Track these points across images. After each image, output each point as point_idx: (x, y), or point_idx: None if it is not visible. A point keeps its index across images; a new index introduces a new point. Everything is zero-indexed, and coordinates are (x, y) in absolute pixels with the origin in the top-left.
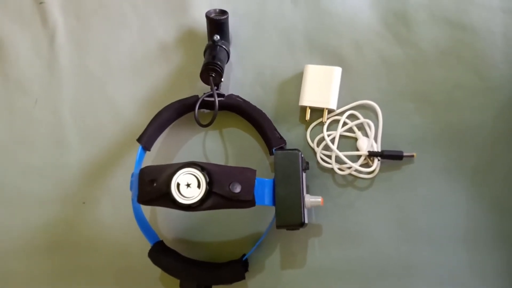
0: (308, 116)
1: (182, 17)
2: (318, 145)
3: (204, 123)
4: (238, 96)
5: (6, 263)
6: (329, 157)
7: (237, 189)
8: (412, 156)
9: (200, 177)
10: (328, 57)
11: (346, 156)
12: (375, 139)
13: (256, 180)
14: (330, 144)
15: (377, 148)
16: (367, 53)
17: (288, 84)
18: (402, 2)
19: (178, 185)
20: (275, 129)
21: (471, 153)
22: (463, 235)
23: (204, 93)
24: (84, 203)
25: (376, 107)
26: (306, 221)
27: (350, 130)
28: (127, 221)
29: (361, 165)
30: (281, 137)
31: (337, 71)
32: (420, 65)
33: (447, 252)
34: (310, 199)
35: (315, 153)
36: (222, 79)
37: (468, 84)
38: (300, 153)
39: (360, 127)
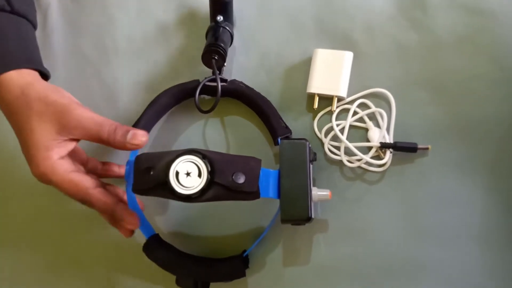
0: (316, 104)
1: None
2: (326, 135)
3: (205, 109)
4: (241, 82)
5: None
6: (338, 148)
7: (241, 179)
8: (427, 148)
9: (201, 165)
10: (338, 42)
11: (356, 148)
12: (387, 130)
13: (265, 171)
14: (339, 134)
15: (389, 139)
16: (380, 38)
17: (294, 70)
18: None
19: (177, 173)
20: (280, 118)
21: (488, 147)
22: (477, 233)
23: (206, 78)
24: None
25: (389, 95)
26: (312, 216)
27: (361, 120)
28: None
29: (372, 157)
30: (287, 127)
31: (348, 55)
32: (435, 53)
33: (459, 251)
34: (317, 193)
35: (322, 144)
36: (225, 64)
37: (486, 74)
38: (307, 143)
39: (372, 117)
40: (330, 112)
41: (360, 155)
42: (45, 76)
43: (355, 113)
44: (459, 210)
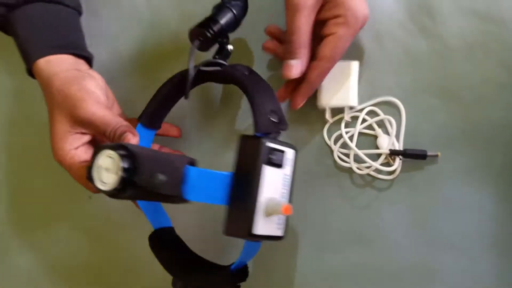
0: (329, 117)
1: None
2: (335, 143)
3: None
4: (245, 67)
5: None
6: (347, 155)
7: (160, 180)
8: (436, 155)
9: (117, 162)
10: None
11: (366, 155)
12: (397, 137)
13: (204, 172)
14: (348, 141)
15: (398, 146)
16: (389, 46)
17: None
18: None
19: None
20: (274, 111)
21: (499, 153)
22: (490, 240)
23: (202, 62)
24: (90, 197)
25: (398, 103)
26: (264, 233)
27: (370, 127)
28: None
29: (381, 164)
30: (279, 122)
31: (354, 65)
32: (445, 59)
33: (472, 258)
34: (270, 204)
35: (332, 151)
36: (230, 49)
37: (496, 80)
38: (265, 142)
39: (381, 124)
40: (340, 120)
41: (369, 162)
42: (86, 58)
43: (364, 120)
44: (470, 217)
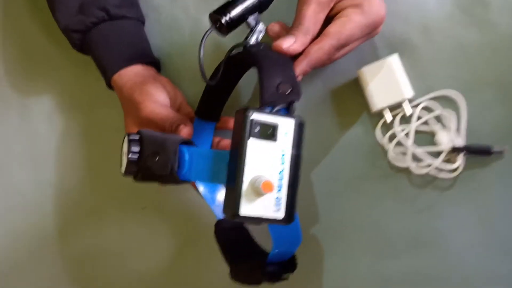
0: (388, 117)
1: None
2: (389, 142)
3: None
4: (262, 43)
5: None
6: (403, 154)
7: (155, 160)
8: (503, 151)
9: (126, 145)
10: (394, 45)
11: (425, 153)
12: (458, 132)
13: (198, 152)
14: (404, 140)
15: (460, 142)
16: (439, 38)
17: (342, 92)
18: None
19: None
20: (285, 82)
21: None
22: None
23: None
24: (143, 208)
25: (458, 96)
26: (253, 214)
27: (426, 124)
28: None
29: (442, 163)
30: (288, 93)
31: (394, 58)
32: (501, 50)
33: None
34: (253, 181)
35: (385, 151)
36: (260, 30)
37: None
38: (249, 113)
39: (438, 120)
40: (391, 120)
41: (429, 160)
42: (153, 63)
43: (419, 117)
44: None
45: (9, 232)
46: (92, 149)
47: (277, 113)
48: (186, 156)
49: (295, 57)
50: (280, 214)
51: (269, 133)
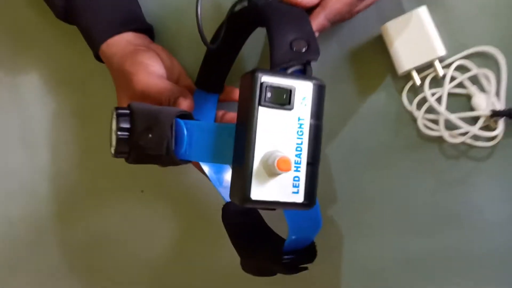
0: (417, 80)
1: None
2: (418, 108)
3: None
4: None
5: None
6: (435, 122)
7: (148, 137)
8: None
9: (114, 121)
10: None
11: (460, 119)
12: (497, 94)
13: (199, 126)
14: (436, 105)
15: (500, 106)
16: None
17: (364, 52)
18: None
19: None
20: (299, 38)
21: None
22: None
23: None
24: (142, 191)
25: (496, 53)
26: (267, 198)
27: (460, 86)
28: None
29: (480, 129)
30: (304, 51)
31: (422, 11)
32: None
33: None
34: (266, 158)
35: (414, 118)
36: None
37: None
38: (259, 75)
39: (474, 81)
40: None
41: (466, 127)
42: (146, 31)
43: (452, 78)
44: None
45: (5, 219)
46: (86, 129)
47: (292, 75)
48: (185, 131)
49: (310, 10)
50: (299, 197)
51: (283, 99)
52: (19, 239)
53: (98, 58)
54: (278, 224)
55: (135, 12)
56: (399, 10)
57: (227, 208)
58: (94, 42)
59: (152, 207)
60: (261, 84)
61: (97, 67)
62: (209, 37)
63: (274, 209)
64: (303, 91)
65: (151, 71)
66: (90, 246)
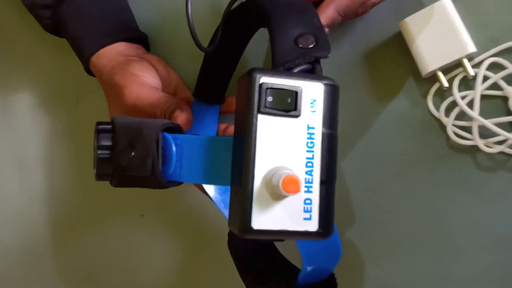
0: (445, 82)
1: None
2: (447, 114)
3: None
4: None
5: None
6: (467, 129)
7: (131, 156)
8: None
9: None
10: None
11: (496, 125)
12: None
13: (189, 140)
14: (467, 110)
15: None
16: None
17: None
18: None
19: None
20: (306, 33)
21: None
22: None
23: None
24: (142, 215)
25: None
26: (272, 227)
27: (494, 86)
28: None
29: None
30: (311, 47)
31: (447, 3)
32: None
33: None
34: (269, 177)
35: (443, 126)
36: None
37: None
38: (257, 76)
39: (510, 81)
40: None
41: (503, 134)
42: (139, 40)
43: (485, 78)
44: None
45: None
46: (81, 148)
47: (297, 74)
48: (173, 147)
49: (318, 3)
50: (313, 225)
51: (287, 103)
52: (13, 269)
53: (89, 71)
54: (293, 251)
55: (126, 21)
56: (418, 3)
57: (233, 234)
58: (84, 55)
59: (153, 232)
60: (260, 86)
61: (91, 80)
62: (207, 42)
63: (282, 240)
64: (312, 93)
65: (143, 82)
66: (89, 274)
